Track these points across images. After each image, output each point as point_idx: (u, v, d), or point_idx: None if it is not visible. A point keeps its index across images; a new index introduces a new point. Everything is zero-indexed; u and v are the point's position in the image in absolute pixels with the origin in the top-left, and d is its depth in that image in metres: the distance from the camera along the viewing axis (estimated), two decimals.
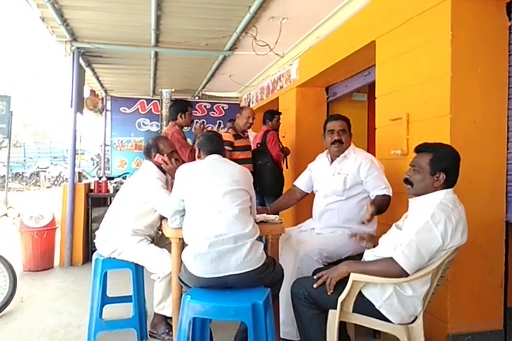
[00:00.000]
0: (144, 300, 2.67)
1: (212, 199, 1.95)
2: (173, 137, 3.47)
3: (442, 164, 1.79)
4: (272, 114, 4.52)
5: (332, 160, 2.60)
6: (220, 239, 1.83)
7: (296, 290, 2.00)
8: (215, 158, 2.17)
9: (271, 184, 4.21)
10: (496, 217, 2.39)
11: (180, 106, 3.70)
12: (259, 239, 2.07)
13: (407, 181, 1.88)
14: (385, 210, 2.35)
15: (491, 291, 2.40)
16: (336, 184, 2.48)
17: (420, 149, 1.88)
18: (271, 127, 4.47)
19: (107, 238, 2.55)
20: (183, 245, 2.08)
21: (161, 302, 2.49)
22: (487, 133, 2.38)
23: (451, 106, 2.33)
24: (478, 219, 2.26)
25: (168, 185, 2.67)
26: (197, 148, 2.28)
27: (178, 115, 3.66)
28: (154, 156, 2.66)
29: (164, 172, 2.68)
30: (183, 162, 2.75)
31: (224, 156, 2.24)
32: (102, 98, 7.30)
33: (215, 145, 2.22)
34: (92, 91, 6.78)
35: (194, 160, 3.62)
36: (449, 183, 1.82)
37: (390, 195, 2.41)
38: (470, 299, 2.37)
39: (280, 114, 4.60)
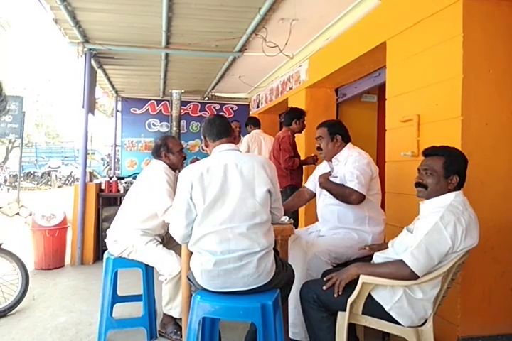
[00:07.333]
0: (154, 299, 2.69)
1: (218, 213, 1.82)
2: (283, 139, 3.94)
3: (455, 167, 1.82)
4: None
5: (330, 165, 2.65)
6: (226, 258, 1.77)
7: (305, 293, 2.00)
8: (221, 149, 1.97)
9: None
10: (508, 219, 2.37)
11: (296, 114, 4.04)
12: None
13: (420, 185, 1.88)
14: (340, 196, 2.41)
15: (502, 294, 2.38)
16: None
17: (430, 153, 1.89)
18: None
19: (117, 238, 2.57)
20: None
21: (168, 303, 2.50)
22: (499, 135, 2.36)
23: (463, 107, 2.31)
24: (489, 222, 2.24)
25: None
26: (202, 138, 2.08)
27: (293, 121, 4.03)
28: (165, 156, 2.68)
29: (174, 170, 2.70)
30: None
31: (234, 139, 2.07)
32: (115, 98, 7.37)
33: (218, 125, 2.02)
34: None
35: (291, 167, 3.84)
36: (459, 185, 1.84)
37: (356, 189, 2.34)
38: (481, 302, 2.35)
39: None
